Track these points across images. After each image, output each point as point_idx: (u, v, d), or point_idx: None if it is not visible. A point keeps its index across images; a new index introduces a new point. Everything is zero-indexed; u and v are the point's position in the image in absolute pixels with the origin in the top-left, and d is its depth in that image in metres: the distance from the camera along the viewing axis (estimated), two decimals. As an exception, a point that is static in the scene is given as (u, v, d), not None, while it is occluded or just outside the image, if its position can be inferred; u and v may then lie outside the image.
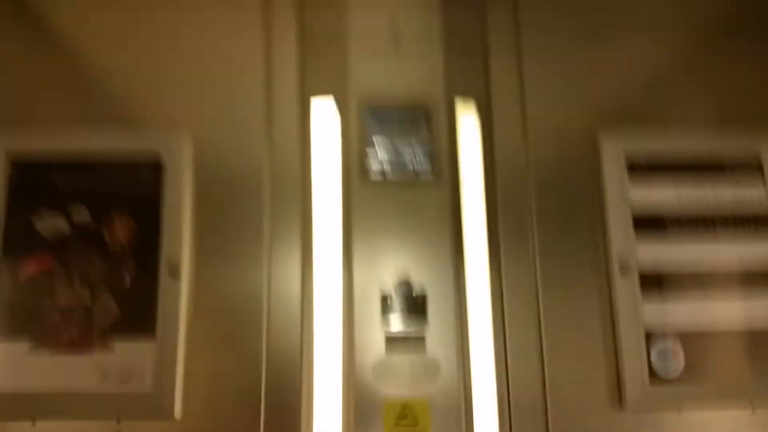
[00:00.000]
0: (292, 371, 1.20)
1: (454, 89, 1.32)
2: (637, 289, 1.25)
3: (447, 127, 1.30)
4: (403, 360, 1.20)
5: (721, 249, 1.29)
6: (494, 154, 1.31)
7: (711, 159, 1.32)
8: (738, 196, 1.31)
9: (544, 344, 1.24)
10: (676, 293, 1.26)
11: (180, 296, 1.19)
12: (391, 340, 1.20)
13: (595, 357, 1.24)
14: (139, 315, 1.18)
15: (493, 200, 1.30)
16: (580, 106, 1.34)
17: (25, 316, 1.17)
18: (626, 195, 1.29)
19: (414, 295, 1.22)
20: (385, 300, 1.22)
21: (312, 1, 1.36)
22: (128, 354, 1.16)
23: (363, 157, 1.27)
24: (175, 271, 1.19)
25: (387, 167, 1.27)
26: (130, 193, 1.22)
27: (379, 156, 1.28)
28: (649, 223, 1.28)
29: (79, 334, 1.17)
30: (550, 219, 1.29)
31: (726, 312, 1.26)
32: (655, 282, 1.26)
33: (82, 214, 1.21)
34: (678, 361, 1.23)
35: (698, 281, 1.27)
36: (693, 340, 1.24)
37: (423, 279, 1.23)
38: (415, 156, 1.27)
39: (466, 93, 1.34)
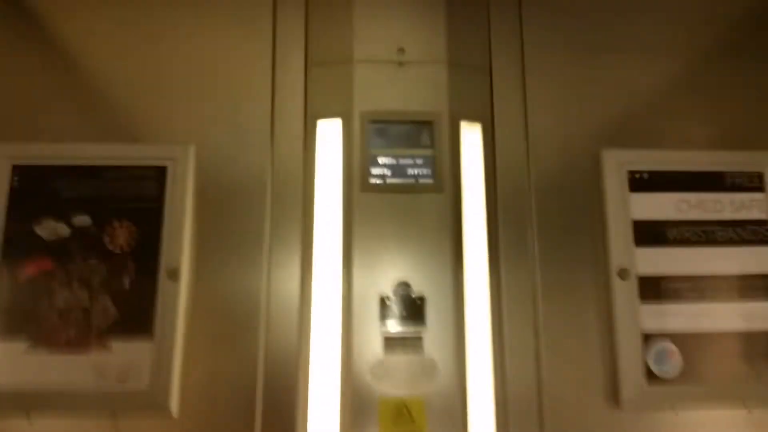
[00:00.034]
0: (290, 371, 1.20)
1: (458, 103, 1.33)
2: (635, 292, 1.26)
3: (450, 139, 1.31)
4: (400, 360, 1.20)
5: (718, 253, 1.30)
6: (496, 166, 1.33)
7: (711, 171, 1.33)
8: (737, 202, 1.31)
9: (541, 346, 1.25)
10: (673, 295, 1.27)
11: (178, 298, 1.19)
12: (389, 341, 1.21)
13: (592, 358, 1.25)
14: (137, 316, 1.18)
15: (494, 209, 1.31)
16: (582, 122, 1.36)
17: (24, 316, 1.18)
18: (627, 206, 1.30)
19: (412, 297, 1.23)
20: (383, 301, 1.22)
21: (318, 15, 1.37)
22: (126, 353, 1.17)
23: (364, 164, 1.28)
24: (174, 275, 1.20)
25: (388, 173, 1.28)
26: (132, 200, 1.23)
27: (381, 163, 1.28)
28: (648, 230, 1.29)
29: (77, 335, 1.17)
30: (550, 227, 1.30)
31: (722, 314, 1.27)
32: (652, 284, 1.27)
33: (82, 219, 1.22)
34: (675, 362, 1.24)
35: (695, 284, 1.28)
36: (689, 342, 1.25)
37: (422, 282, 1.24)
38: (416, 165, 1.28)
39: (469, 108, 1.34)
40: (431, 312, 1.23)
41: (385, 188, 1.27)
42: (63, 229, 1.21)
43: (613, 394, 1.23)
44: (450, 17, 1.36)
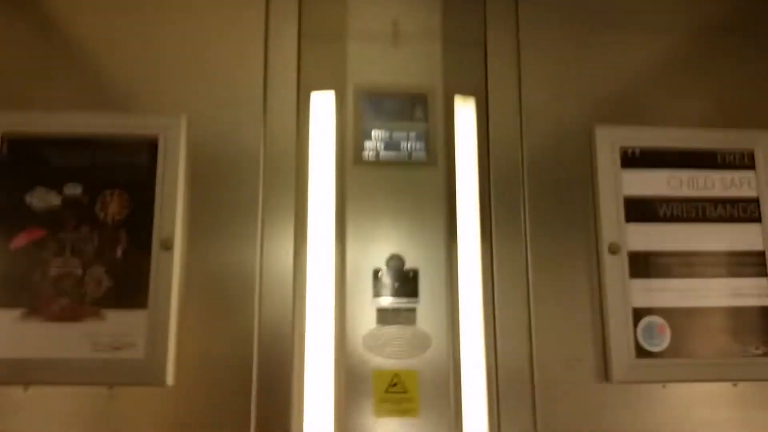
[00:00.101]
0: (285, 342, 1.21)
1: (452, 78, 1.33)
2: (626, 266, 1.27)
3: (443, 113, 1.31)
4: (393, 332, 1.21)
5: (708, 230, 1.31)
6: (489, 141, 1.33)
7: (703, 149, 1.34)
8: (728, 180, 1.32)
9: (532, 318, 1.26)
10: (663, 271, 1.28)
11: (172, 268, 1.19)
12: (382, 313, 1.22)
13: (583, 331, 1.27)
14: (131, 286, 1.19)
15: (487, 183, 1.31)
16: (575, 98, 1.36)
17: (17, 285, 1.18)
18: (619, 181, 1.31)
19: (405, 269, 1.23)
20: (376, 273, 1.23)
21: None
22: (120, 323, 1.17)
23: (358, 138, 1.28)
24: (167, 245, 1.20)
25: (381, 147, 1.28)
26: (123, 169, 1.23)
27: (374, 137, 1.28)
28: (639, 205, 1.30)
29: (71, 303, 1.18)
30: (542, 202, 1.31)
31: (711, 290, 1.29)
32: (642, 260, 1.28)
33: (74, 188, 1.21)
34: (663, 336, 1.25)
35: (685, 260, 1.29)
36: (678, 317, 1.26)
37: (415, 255, 1.25)
38: (409, 139, 1.28)
39: (464, 82, 1.34)
40: (424, 285, 1.23)
41: (378, 162, 1.27)
42: (54, 199, 1.21)
43: (603, 367, 1.25)
44: None
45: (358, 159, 1.27)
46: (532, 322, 1.26)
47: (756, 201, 1.32)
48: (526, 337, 1.25)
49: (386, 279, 1.23)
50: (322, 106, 1.31)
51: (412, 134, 1.29)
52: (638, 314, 1.25)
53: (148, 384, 1.17)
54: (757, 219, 1.32)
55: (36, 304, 1.17)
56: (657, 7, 1.41)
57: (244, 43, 1.32)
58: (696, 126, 1.36)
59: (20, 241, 1.19)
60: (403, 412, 1.18)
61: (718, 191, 1.32)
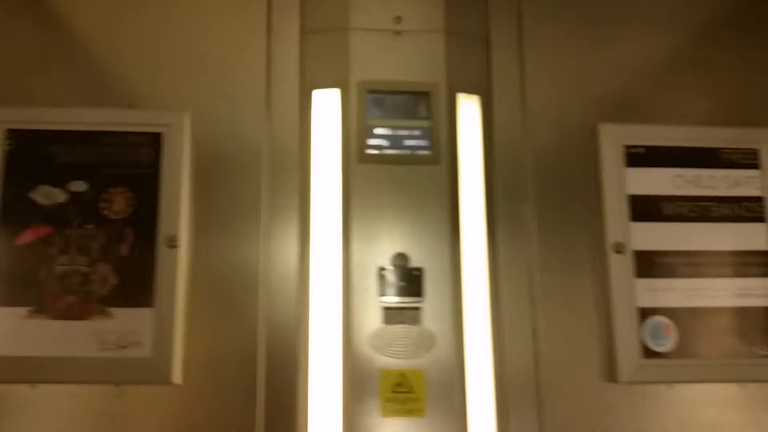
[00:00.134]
0: (290, 340, 1.21)
1: (455, 75, 1.33)
2: (631, 266, 1.27)
3: (447, 110, 1.30)
4: (398, 330, 1.21)
5: (713, 229, 1.31)
6: (493, 138, 1.33)
7: (708, 148, 1.34)
8: (732, 179, 1.32)
9: (538, 317, 1.26)
10: (668, 271, 1.28)
11: (177, 265, 1.19)
12: (388, 312, 1.21)
13: (589, 331, 1.27)
14: (137, 283, 1.18)
15: (491, 181, 1.31)
16: (579, 95, 1.36)
17: (23, 282, 1.17)
18: (623, 181, 1.30)
19: (410, 267, 1.23)
20: (381, 272, 1.22)
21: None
22: (127, 321, 1.17)
23: (361, 135, 1.27)
24: (172, 241, 1.20)
25: (385, 144, 1.28)
26: (128, 166, 1.23)
27: (377, 134, 1.28)
28: (643, 204, 1.30)
29: (77, 301, 1.17)
30: (546, 200, 1.31)
31: (716, 289, 1.28)
32: (648, 260, 1.28)
33: (79, 184, 1.22)
34: (670, 337, 1.24)
35: (690, 259, 1.29)
36: (684, 317, 1.26)
37: (420, 253, 1.24)
38: (413, 137, 1.28)
39: (467, 79, 1.34)
40: (429, 283, 1.23)
41: (382, 159, 1.27)
42: (59, 195, 1.21)
43: (609, 368, 1.24)
44: None
45: (362, 156, 1.27)
46: (538, 322, 1.25)
47: (760, 200, 1.32)
48: (531, 336, 1.25)
49: (391, 278, 1.23)
50: (326, 102, 1.31)
51: (416, 131, 1.29)
52: (644, 314, 1.25)
53: (155, 382, 1.17)
54: (762, 218, 1.32)
55: (42, 302, 1.17)
56: (661, 3, 1.42)
57: (247, 39, 1.32)
58: (700, 124, 1.36)
59: (26, 238, 1.19)
60: (409, 412, 1.18)
61: (722, 190, 1.32)
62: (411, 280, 1.23)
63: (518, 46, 1.37)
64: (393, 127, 1.29)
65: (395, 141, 1.28)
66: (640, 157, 1.31)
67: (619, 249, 1.27)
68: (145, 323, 1.17)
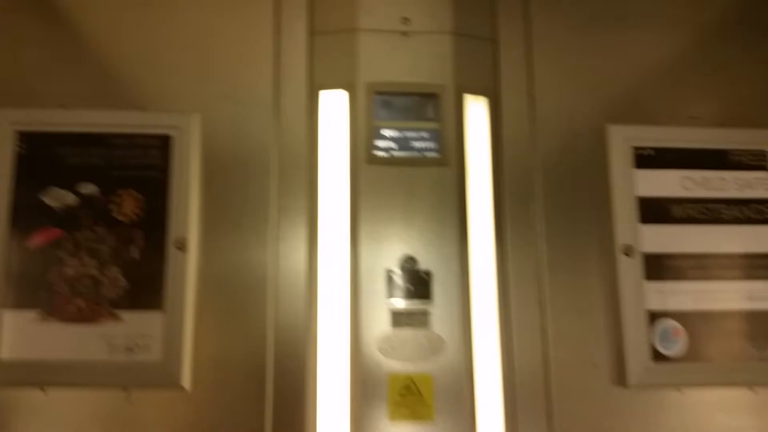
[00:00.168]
0: (299, 344, 1.20)
1: (463, 76, 1.33)
2: (641, 269, 1.26)
3: (455, 112, 1.30)
4: (407, 334, 1.20)
5: (722, 232, 1.30)
6: (502, 140, 1.32)
7: (717, 149, 1.33)
8: (741, 181, 1.32)
9: (547, 321, 1.25)
10: (678, 274, 1.27)
11: (187, 268, 1.19)
12: (396, 315, 1.21)
13: (598, 334, 1.26)
14: (147, 286, 1.18)
15: (500, 183, 1.31)
16: (588, 96, 1.36)
17: (34, 285, 1.18)
18: (632, 183, 1.30)
19: (419, 271, 1.23)
20: (390, 275, 1.22)
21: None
22: (136, 324, 1.17)
23: (369, 136, 1.27)
24: (181, 244, 1.20)
25: (393, 146, 1.28)
26: (137, 168, 1.23)
27: (385, 135, 1.28)
28: (652, 206, 1.29)
29: (87, 304, 1.17)
30: (555, 203, 1.31)
31: (727, 293, 1.27)
32: (657, 262, 1.27)
33: (89, 187, 1.22)
34: (680, 341, 1.24)
35: (700, 262, 1.28)
36: (694, 320, 1.25)
37: (428, 256, 1.24)
38: (421, 138, 1.28)
39: (475, 80, 1.34)
40: (438, 287, 1.23)
41: (390, 161, 1.27)
42: (70, 197, 1.21)
43: (619, 372, 1.24)
44: None
45: (371, 158, 1.26)
46: (547, 325, 1.25)
47: (770, 202, 1.32)
48: (540, 339, 1.24)
49: (400, 281, 1.22)
50: (334, 104, 1.31)
51: (424, 133, 1.28)
52: (653, 317, 1.24)
53: (164, 386, 1.16)
54: (772, 221, 1.31)
55: (52, 305, 1.17)
56: (670, 4, 1.42)
57: (255, 41, 1.32)
58: (710, 126, 1.35)
59: (36, 240, 1.19)
60: (417, 416, 1.17)
61: (731, 192, 1.31)
62: (419, 283, 1.22)
63: (526, 48, 1.36)
64: (401, 129, 1.28)
65: (403, 142, 1.28)
66: (649, 159, 1.31)
67: (628, 251, 1.26)
68: (154, 327, 1.17)
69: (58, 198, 1.20)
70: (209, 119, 1.28)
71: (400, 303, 1.22)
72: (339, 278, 1.24)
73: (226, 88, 1.30)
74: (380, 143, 1.27)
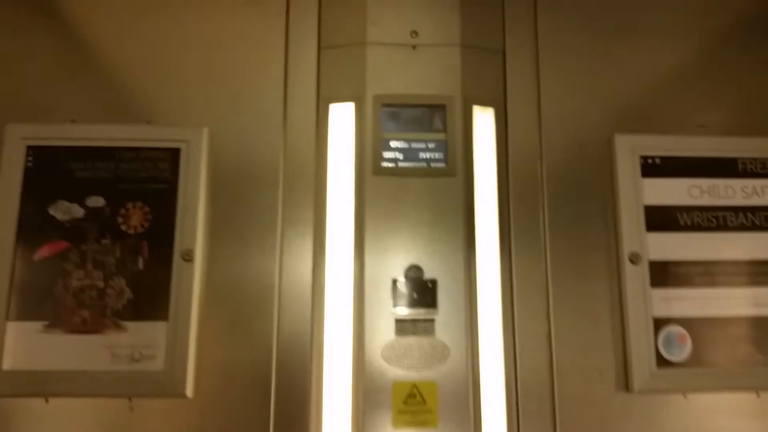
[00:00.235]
0: (303, 353, 1.21)
1: (471, 87, 1.32)
2: (647, 276, 1.26)
3: (462, 123, 1.30)
4: (411, 342, 1.21)
5: (729, 239, 1.30)
6: (508, 150, 1.32)
7: (724, 157, 1.33)
8: (749, 188, 1.32)
9: (552, 330, 1.25)
10: (684, 280, 1.27)
11: (193, 279, 1.20)
12: (401, 324, 1.21)
13: (603, 342, 1.26)
14: (152, 297, 1.19)
15: (506, 193, 1.30)
16: (595, 106, 1.35)
17: (39, 297, 1.19)
18: (639, 191, 1.30)
19: (424, 279, 1.23)
20: (395, 283, 1.23)
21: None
22: (141, 334, 1.18)
23: (377, 148, 1.27)
24: (188, 256, 1.20)
25: (400, 157, 1.28)
26: (145, 181, 1.24)
27: (393, 147, 1.28)
28: (659, 214, 1.29)
29: (92, 315, 1.18)
30: (561, 212, 1.30)
31: (732, 299, 1.27)
32: (663, 269, 1.27)
33: (96, 200, 1.23)
34: (685, 347, 1.24)
35: (706, 269, 1.28)
36: (700, 327, 1.25)
37: (433, 265, 1.24)
38: (428, 149, 1.28)
39: (482, 92, 1.34)
40: (443, 295, 1.23)
41: (397, 172, 1.27)
42: (77, 210, 1.22)
43: (624, 378, 1.24)
44: (464, 0, 1.36)
45: (378, 169, 1.27)
46: (552, 333, 1.25)
47: (778, 209, 1.31)
48: (545, 347, 1.25)
49: (405, 289, 1.23)
50: (342, 116, 1.31)
51: (431, 144, 1.28)
52: (659, 324, 1.24)
53: (168, 396, 1.17)
54: (779, 228, 1.30)
55: (57, 317, 1.18)
56: (677, 13, 1.40)
57: (264, 54, 1.33)
58: (716, 134, 1.34)
59: (43, 252, 1.20)
60: (421, 424, 1.18)
61: (739, 200, 1.31)
62: (424, 292, 1.23)
63: (534, 59, 1.36)
64: (408, 140, 1.28)
65: (410, 154, 1.28)
66: (656, 168, 1.30)
67: (635, 259, 1.26)
68: (158, 337, 1.18)
69: (66, 211, 1.21)
70: (218, 132, 1.28)
71: (405, 311, 1.22)
72: (344, 287, 1.24)
73: (234, 101, 1.30)
74: (387, 154, 1.28)
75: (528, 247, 1.28)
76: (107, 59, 1.31)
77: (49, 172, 1.23)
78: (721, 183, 1.31)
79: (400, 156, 1.28)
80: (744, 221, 1.30)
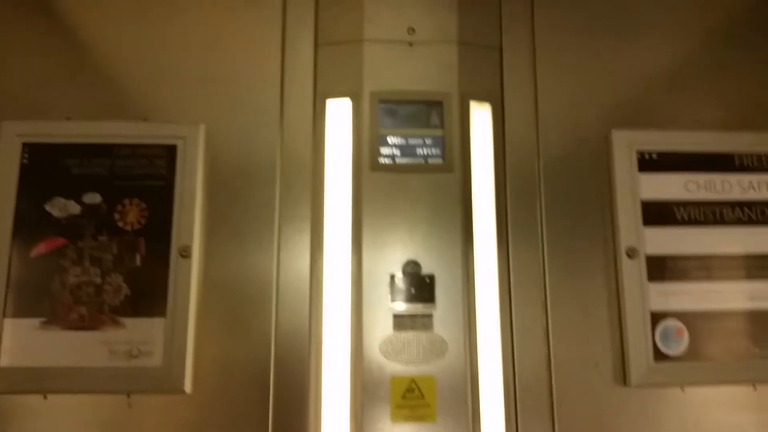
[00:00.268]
0: (302, 348, 1.21)
1: (468, 83, 1.32)
2: (644, 270, 1.26)
3: (459, 119, 1.30)
4: (410, 337, 1.21)
5: (726, 233, 1.30)
6: (505, 146, 1.32)
7: (721, 152, 1.33)
8: (745, 183, 1.32)
9: (549, 324, 1.26)
10: (681, 275, 1.27)
11: (190, 275, 1.20)
12: (399, 319, 1.22)
13: (601, 336, 1.26)
14: (149, 293, 1.19)
15: (503, 188, 1.31)
16: (591, 102, 1.35)
17: (36, 293, 1.19)
18: (636, 186, 1.30)
19: (422, 274, 1.23)
20: (392, 279, 1.23)
21: (328, -1, 1.37)
22: (138, 331, 1.18)
23: (374, 144, 1.28)
24: (185, 252, 1.20)
25: (397, 153, 1.28)
26: (142, 178, 1.24)
27: (390, 143, 1.28)
28: (656, 208, 1.29)
29: (89, 312, 1.18)
30: (558, 207, 1.30)
31: (729, 293, 1.28)
32: (660, 264, 1.27)
33: (93, 197, 1.23)
34: (682, 340, 1.24)
35: (703, 263, 1.28)
36: (697, 320, 1.26)
37: (431, 260, 1.24)
38: (425, 145, 1.28)
39: (479, 88, 1.34)
40: (440, 290, 1.23)
41: (394, 168, 1.27)
42: (73, 207, 1.22)
43: (621, 372, 1.24)
44: None
45: (375, 165, 1.27)
46: (550, 327, 1.25)
47: (775, 203, 1.32)
48: (543, 341, 1.25)
49: (403, 285, 1.23)
50: (339, 112, 1.31)
51: (429, 140, 1.29)
52: (656, 318, 1.25)
53: (166, 392, 1.17)
54: (776, 222, 1.31)
55: (54, 313, 1.18)
56: (673, 9, 1.41)
57: (261, 51, 1.32)
58: (713, 129, 1.35)
59: (40, 249, 1.20)
60: (420, 418, 1.18)
61: (735, 194, 1.31)
62: (422, 287, 1.23)
63: (531, 55, 1.36)
64: (405, 136, 1.29)
65: (408, 150, 1.28)
66: (653, 163, 1.31)
67: (632, 253, 1.26)
68: (156, 333, 1.18)
69: (62, 208, 1.21)
70: (214, 129, 1.28)
71: (403, 307, 1.22)
72: (342, 283, 1.24)
73: (231, 98, 1.30)
74: (385, 150, 1.28)
75: (525, 242, 1.28)
76: (103, 56, 1.31)
77: (45, 169, 1.23)
78: (717, 178, 1.31)
79: (397, 152, 1.28)
80: (741, 216, 1.30)
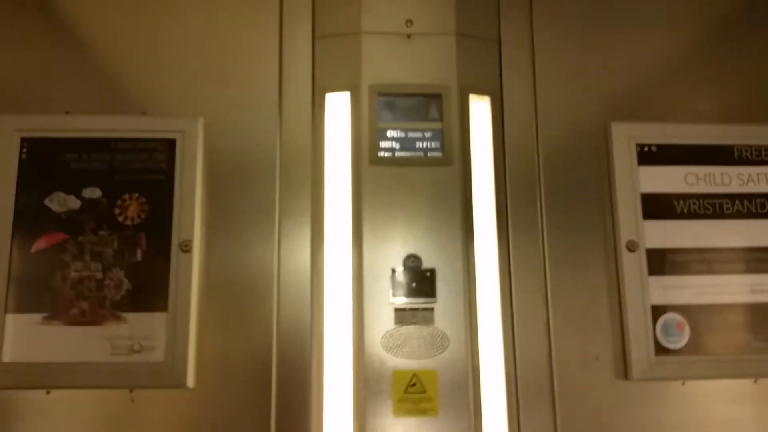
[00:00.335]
0: (303, 342, 1.21)
1: (467, 76, 1.32)
2: (644, 263, 1.27)
3: (459, 112, 1.30)
4: (411, 331, 1.21)
5: (725, 226, 1.30)
6: (505, 139, 1.32)
7: (720, 145, 1.33)
8: (745, 176, 1.32)
9: (550, 317, 1.26)
10: (681, 268, 1.27)
11: (191, 269, 1.20)
12: (400, 312, 1.22)
13: (601, 329, 1.26)
14: (150, 288, 1.19)
15: (503, 181, 1.31)
16: (591, 95, 1.36)
17: (37, 289, 1.19)
18: (635, 179, 1.30)
19: (422, 268, 1.23)
20: (393, 273, 1.23)
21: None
22: (140, 325, 1.18)
23: (373, 138, 1.27)
24: (186, 246, 1.20)
25: (396, 147, 1.28)
26: (141, 172, 1.24)
27: (389, 136, 1.28)
28: (656, 202, 1.29)
29: (91, 307, 1.18)
30: (558, 200, 1.31)
31: (729, 286, 1.28)
32: (660, 257, 1.27)
33: (92, 191, 1.22)
34: (682, 333, 1.24)
35: (703, 257, 1.28)
36: (697, 314, 1.26)
37: (432, 254, 1.24)
38: (425, 138, 1.28)
39: (478, 80, 1.34)
40: (441, 284, 1.23)
41: (394, 161, 1.27)
42: (73, 202, 1.22)
43: (622, 365, 1.24)
44: None
45: (374, 158, 1.27)
46: (550, 321, 1.26)
47: (775, 196, 1.32)
48: (544, 335, 1.25)
49: (404, 279, 1.23)
50: (338, 106, 1.31)
51: (428, 133, 1.28)
52: (657, 311, 1.25)
53: (168, 386, 1.17)
54: (775, 215, 1.31)
55: (56, 308, 1.18)
56: (672, 1, 1.41)
57: (259, 44, 1.32)
58: (712, 122, 1.35)
59: (40, 244, 1.20)
60: (422, 412, 1.18)
61: (735, 187, 1.31)
62: (423, 281, 1.23)
63: (530, 47, 1.36)
64: (405, 130, 1.28)
65: (407, 143, 1.28)
66: (652, 156, 1.31)
67: (632, 247, 1.27)
68: (158, 328, 1.18)
69: (62, 203, 1.21)
70: (213, 123, 1.28)
71: (404, 301, 1.22)
72: (343, 277, 1.24)
73: (229, 92, 1.30)
74: (384, 144, 1.28)
75: (525, 236, 1.28)
76: (101, 51, 1.31)
77: (44, 163, 1.23)
78: (717, 170, 1.32)
79: (396, 145, 1.28)
80: (740, 208, 1.30)
